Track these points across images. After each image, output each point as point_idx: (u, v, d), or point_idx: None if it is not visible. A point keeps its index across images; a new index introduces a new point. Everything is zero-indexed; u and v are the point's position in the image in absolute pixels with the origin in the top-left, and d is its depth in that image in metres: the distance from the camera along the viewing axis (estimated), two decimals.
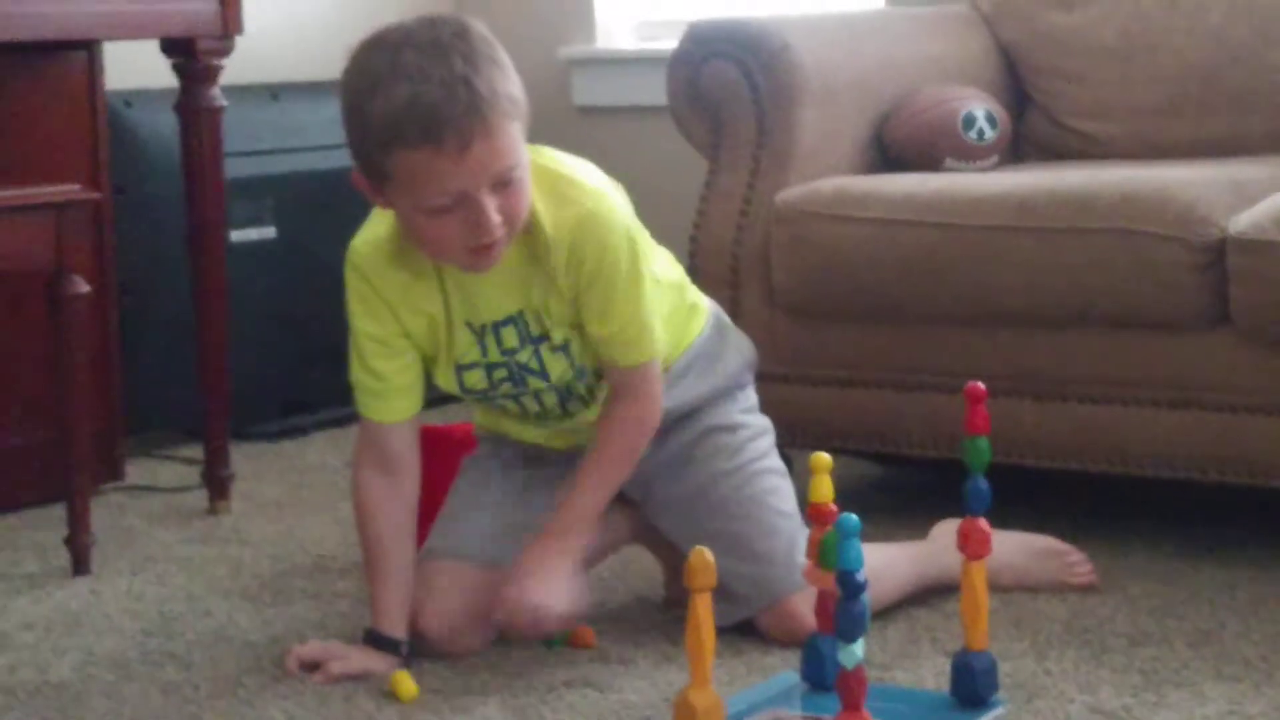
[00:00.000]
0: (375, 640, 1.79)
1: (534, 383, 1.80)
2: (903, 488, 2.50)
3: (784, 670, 1.76)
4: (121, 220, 2.68)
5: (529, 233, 1.72)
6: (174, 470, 2.73)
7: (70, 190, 2.22)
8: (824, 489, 1.65)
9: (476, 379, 1.80)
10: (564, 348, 1.79)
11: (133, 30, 2.43)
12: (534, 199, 1.71)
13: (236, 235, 2.82)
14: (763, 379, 2.32)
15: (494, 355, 1.78)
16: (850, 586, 1.45)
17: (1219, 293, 2.03)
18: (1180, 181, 2.09)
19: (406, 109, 1.59)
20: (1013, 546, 1.97)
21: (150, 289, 2.78)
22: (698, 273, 2.35)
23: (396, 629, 1.79)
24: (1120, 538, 2.19)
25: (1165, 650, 1.79)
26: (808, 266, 2.27)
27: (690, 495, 1.86)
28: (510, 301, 1.76)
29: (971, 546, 1.64)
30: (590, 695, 1.72)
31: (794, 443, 2.33)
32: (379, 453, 1.80)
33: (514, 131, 1.65)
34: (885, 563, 1.88)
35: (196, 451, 2.63)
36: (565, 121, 3.31)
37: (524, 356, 1.78)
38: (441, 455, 1.98)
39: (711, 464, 1.86)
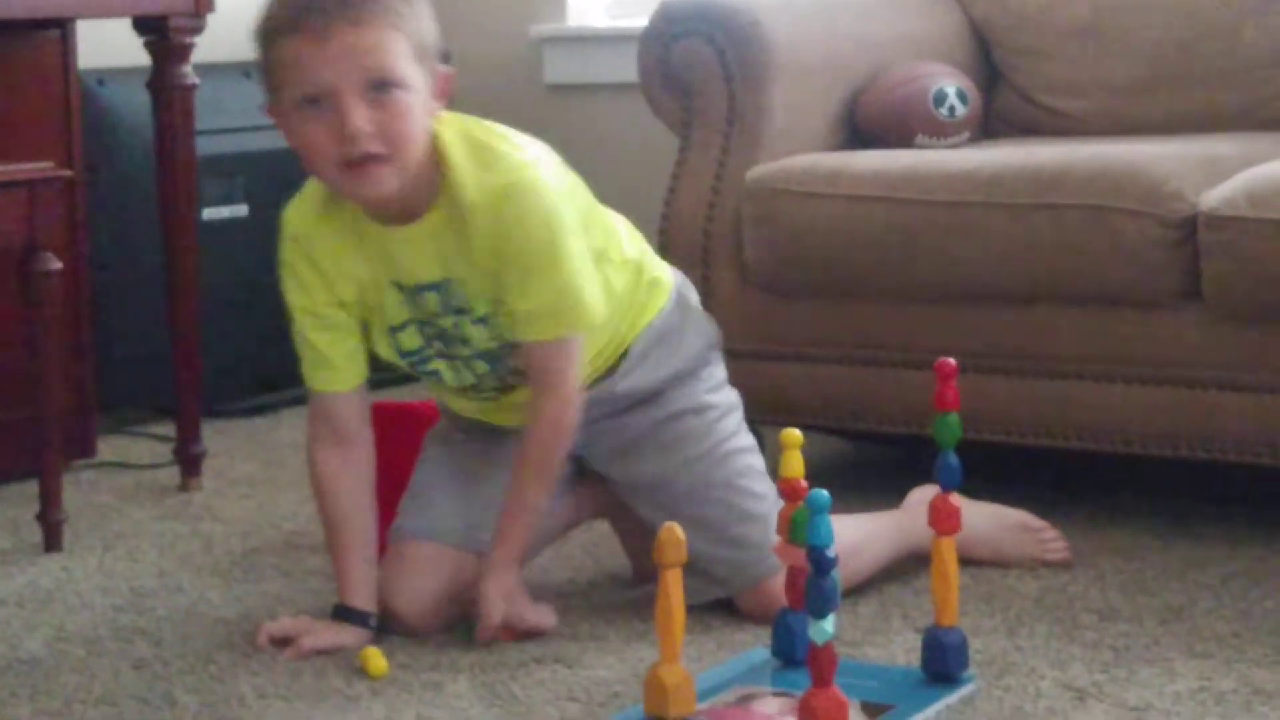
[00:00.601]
0: (344, 614, 1.79)
1: (459, 349, 1.79)
2: (873, 464, 2.51)
3: (754, 646, 1.76)
4: (94, 198, 2.67)
5: (450, 197, 1.71)
6: (146, 447, 2.73)
7: (43, 168, 2.21)
8: (795, 465, 1.65)
9: (410, 337, 1.79)
10: (484, 320, 1.77)
11: (105, 8, 2.43)
12: (459, 165, 1.70)
13: (208, 213, 2.81)
14: (734, 356, 2.32)
15: (423, 314, 1.77)
16: (821, 562, 1.46)
17: (1190, 269, 2.04)
18: (1151, 158, 2.09)
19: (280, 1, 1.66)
20: (987, 520, 1.97)
21: (122, 266, 2.77)
22: (669, 250, 2.35)
23: (365, 602, 1.79)
24: (1091, 514, 2.20)
25: (1136, 627, 1.80)
26: (779, 243, 2.27)
27: (661, 481, 1.85)
28: (432, 268, 1.74)
29: (941, 522, 1.65)
30: (560, 671, 1.73)
31: (765, 419, 2.33)
32: (330, 425, 1.80)
33: (391, 41, 1.65)
34: (864, 536, 1.89)
35: (168, 428, 2.62)
36: (537, 100, 3.30)
37: (446, 323, 1.77)
38: (404, 431, 1.98)
39: (681, 449, 1.84)
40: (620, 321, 1.84)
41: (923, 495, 1.95)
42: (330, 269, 1.76)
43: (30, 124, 2.52)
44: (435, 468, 1.89)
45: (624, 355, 1.85)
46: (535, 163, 1.73)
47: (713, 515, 1.82)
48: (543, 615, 1.80)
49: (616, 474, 1.88)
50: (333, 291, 1.77)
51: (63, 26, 2.55)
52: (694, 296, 1.95)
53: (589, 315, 1.76)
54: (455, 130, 1.74)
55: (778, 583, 1.78)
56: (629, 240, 1.87)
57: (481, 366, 1.81)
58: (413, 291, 1.76)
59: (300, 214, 1.79)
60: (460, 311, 1.76)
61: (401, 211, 1.73)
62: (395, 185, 1.69)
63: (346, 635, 1.78)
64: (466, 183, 1.71)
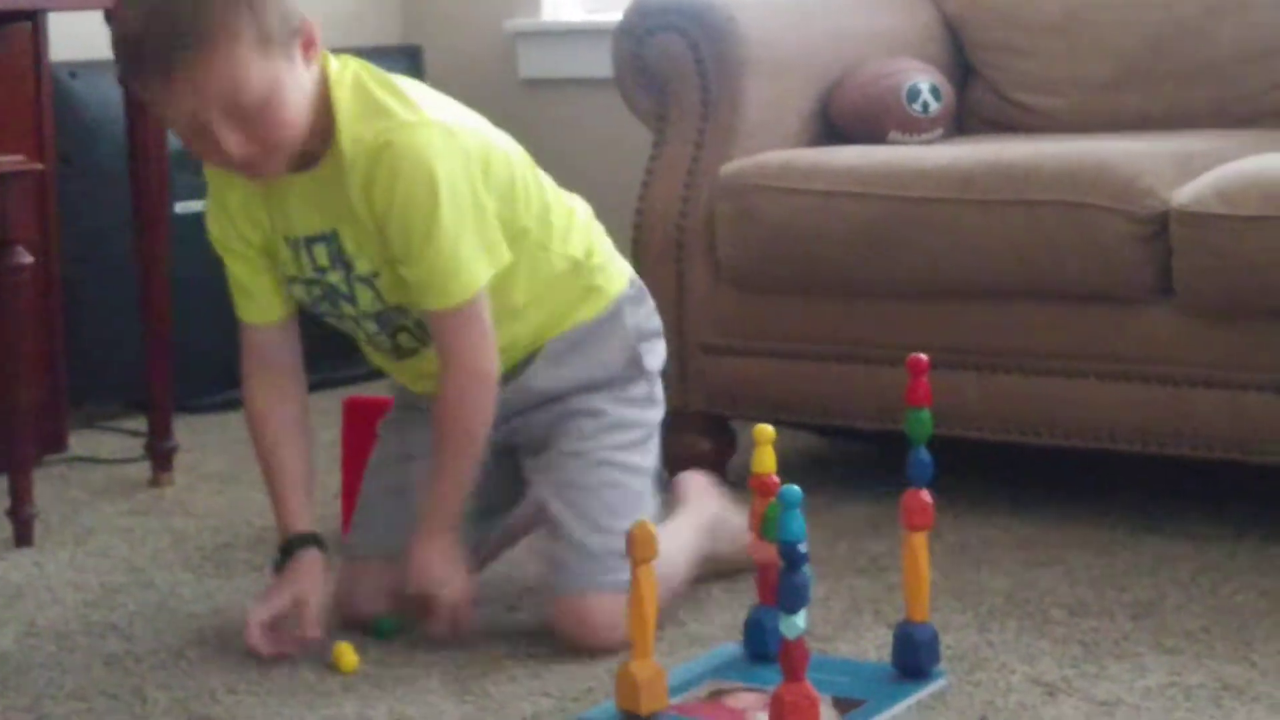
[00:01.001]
0: (295, 545, 1.76)
1: (345, 308, 1.77)
2: (845, 460, 2.51)
3: (726, 642, 1.77)
4: (65, 191, 2.66)
5: (331, 147, 1.69)
6: (117, 442, 2.72)
7: (14, 161, 2.20)
8: (767, 461, 1.65)
9: (300, 293, 1.79)
10: (369, 280, 1.74)
11: (77, 1, 2.41)
12: (343, 117, 1.67)
13: (180, 206, 2.79)
14: (707, 351, 2.33)
15: (308, 271, 1.75)
16: (792, 558, 1.46)
17: (1162, 265, 2.04)
18: (1124, 154, 2.10)
19: (119, 42, 1.63)
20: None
21: (94, 260, 2.76)
22: (642, 245, 2.35)
23: (308, 524, 1.78)
24: (1061, 509, 2.21)
25: (1106, 622, 1.81)
26: (752, 239, 2.27)
27: (541, 470, 1.82)
28: (318, 219, 1.72)
29: (913, 518, 1.65)
30: (532, 667, 1.72)
31: (737, 415, 2.34)
32: (260, 357, 1.79)
33: (232, 58, 1.58)
34: (674, 547, 1.83)
35: (140, 423, 2.61)
36: (511, 94, 3.30)
37: (334, 278, 1.74)
38: (374, 425, 1.97)
39: (561, 443, 1.80)
40: (542, 314, 1.80)
41: (692, 482, 1.94)
42: (237, 212, 1.76)
43: (1, 116, 2.51)
44: (382, 478, 1.87)
45: (538, 351, 1.81)
46: (419, 124, 1.67)
47: (566, 515, 1.77)
48: (463, 573, 1.77)
49: (528, 467, 1.86)
50: (239, 231, 1.77)
51: (34, 19, 2.54)
52: (645, 319, 1.87)
53: (467, 288, 1.69)
54: (350, 77, 1.70)
55: (594, 605, 1.73)
56: (581, 237, 1.83)
57: (370, 326, 1.79)
58: (301, 244, 1.74)
59: (215, 174, 1.78)
60: (347, 267, 1.73)
61: (297, 160, 1.69)
62: (284, 164, 1.68)
63: (302, 578, 1.74)
64: (345, 135, 1.68)
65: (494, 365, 1.74)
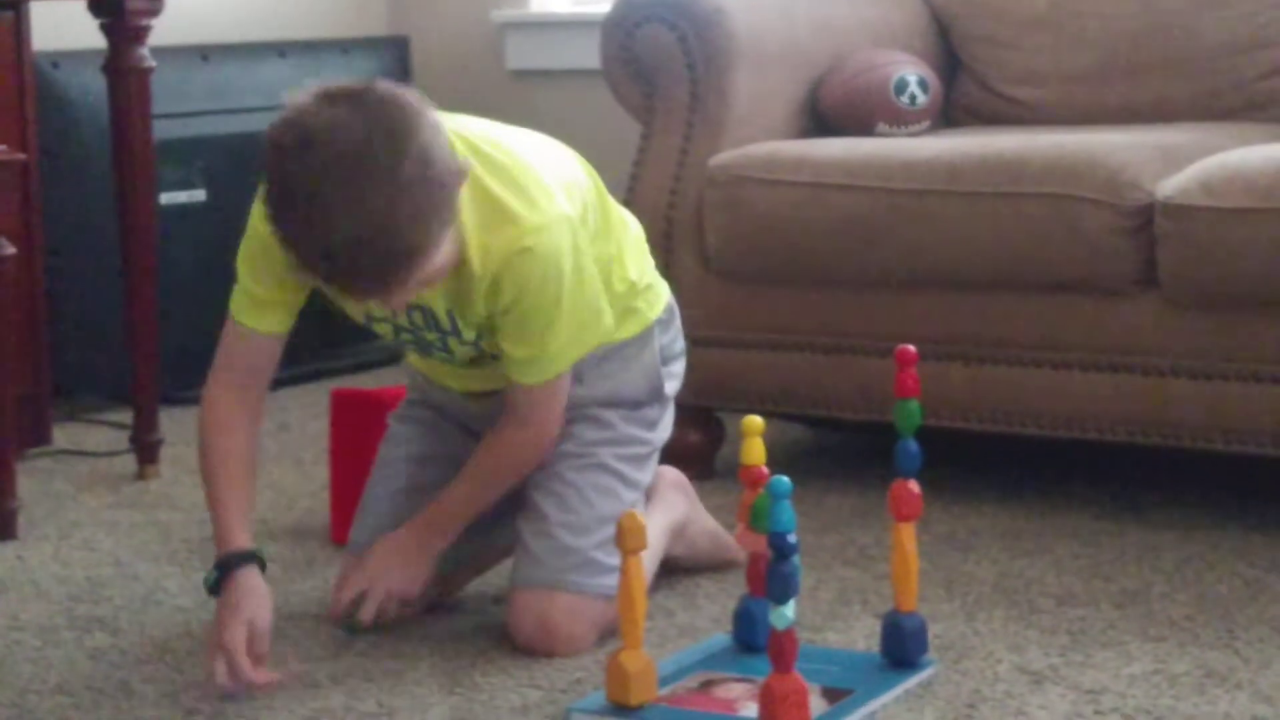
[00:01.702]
0: (230, 563, 1.66)
1: (436, 355, 1.77)
2: (834, 450, 2.52)
3: (715, 633, 1.77)
4: (49, 182, 2.64)
5: (461, 262, 1.64)
6: (102, 435, 2.71)
7: None
8: (756, 452, 1.66)
9: (384, 329, 1.77)
10: (474, 342, 1.73)
11: None
12: (472, 226, 1.62)
13: (166, 198, 2.78)
14: (696, 343, 2.33)
15: (402, 321, 1.73)
16: (782, 548, 1.46)
17: (1147, 256, 2.05)
18: (1109, 147, 2.11)
19: (320, 260, 1.52)
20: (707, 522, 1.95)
21: (78, 252, 2.75)
22: None
23: (248, 540, 1.69)
24: (1048, 499, 2.22)
25: (1092, 611, 1.82)
26: (741, 230, 2.27)
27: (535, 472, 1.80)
28: (433, 300, 1.69)
29: (901, 508, 1.65)
30: (521, 658, 1.72)
31: (726, 406, 2.34)
32: (242, 363, 1.72)
33: (438, 253, 1.56)
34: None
35: (125, 416, 2.60)
36: (498, 86, 3.29)
37: (430, 337, 1.73)
38: (365, 418, 1.97)
39: (562, 444, 1.78)
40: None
41: (666, 478, 1.91)
42: (289, 281, 1.68)
43: None
44: (394, 477, 1.84)
45: None
46: (545, 227, 1.64)
47: (550, 507, 1.75)
48: (410, 584, 1.77)
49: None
50: (282, 290, 1.70)
51: (16, 8, 2.52)
52: (671, 341, 1.86)
53: (564, 368, 1.72)
54: (471, 181, 1.61)
55: (558, 603, 1.71)
56: (636, 259, 1.81)
57: (447, 357, 1.78)
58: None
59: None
60: (448, 333, 1.72)
61: None
62: None
63: (249, 606, 1.63)
64: (473, 248, 1.63)
65: (557, 432, 1.75)
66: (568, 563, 1.73)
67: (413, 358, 1.87)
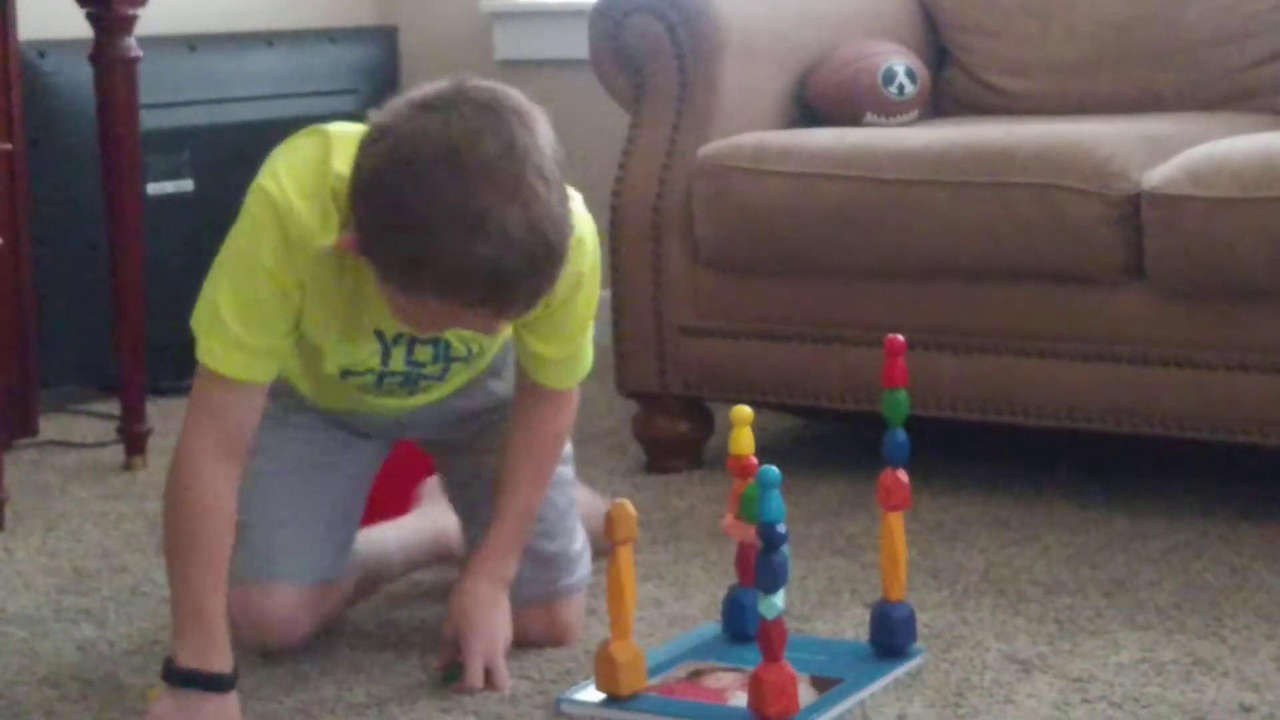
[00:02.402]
0: (209, 684, 1.49)
1: (429, 385, 1.64)
2: (823, 440, 2.52)
3: (705, 622, 1.77)
4: (35, 172, 2.63)
5: None
6: (89, 425, 2.70)
7: None
8: (745, 442, 1.66)
9: (365, 382, 1.61)
10: (465, 358, 1.64)
11: None
12: None
13: (153, 188, 2.78)
14: (684, 333, 2.33)
15: (397, 365, 1.59)
16: (771, 538, 1.46)
17: (1134, 246, 2.06)
18: (1096, 136, 2.11)
19: (484, 273, 1.38)
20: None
21: (65, 242, 2.74)
22: (619, 226, 2.35)
23: (229, 659, 1.51)
24: (1036, 488, 2.23)
25: (1080, 599, 1.82)
26: (729, 220, 2.27)
27: (472, 476, 1.74)
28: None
29: (890, 498, 1.66)
30: (511, 649, 1.72)
31: (715, 396, 2.34)
32: (228, 424, 1.50)
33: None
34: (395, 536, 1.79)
35: (112, 406, 2.60)
36: (487, 76, 3.23)
37: (433, 370, 1.62)
38: None
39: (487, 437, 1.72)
40: None
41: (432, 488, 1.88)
42: (312, 289, 1.51)
43: None
44: (292, 489, 1.66)
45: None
46: (585, 216, 1.57)
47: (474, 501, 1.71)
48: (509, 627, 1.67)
49: (455, 467, 1.76)
50: (281, 335, 1.51)
51: None
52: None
53: (590, 366, 1.68)
54: None
55: (562, 609, 1.71)
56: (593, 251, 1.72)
57: (434, 382, 1.65)
58: (401, 340, 1.57)
59: (313, 220, 1.48)
60: (456, 358, 1.62)
61: None
62: None
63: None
64: None
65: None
66: (555, 570, 1.72)
67: (306, 387, 1.66)
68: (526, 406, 1.67)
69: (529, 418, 1.67)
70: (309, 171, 1.49)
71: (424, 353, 1.60)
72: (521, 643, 1.70)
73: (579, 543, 1.75)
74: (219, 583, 1.49)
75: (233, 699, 1.51)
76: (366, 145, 1.42)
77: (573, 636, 1.73)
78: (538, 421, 1.67)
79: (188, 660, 1.49)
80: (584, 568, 1.75)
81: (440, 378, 1.65)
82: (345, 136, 1.50)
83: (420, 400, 1.69)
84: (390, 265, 1.42)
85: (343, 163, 1.47)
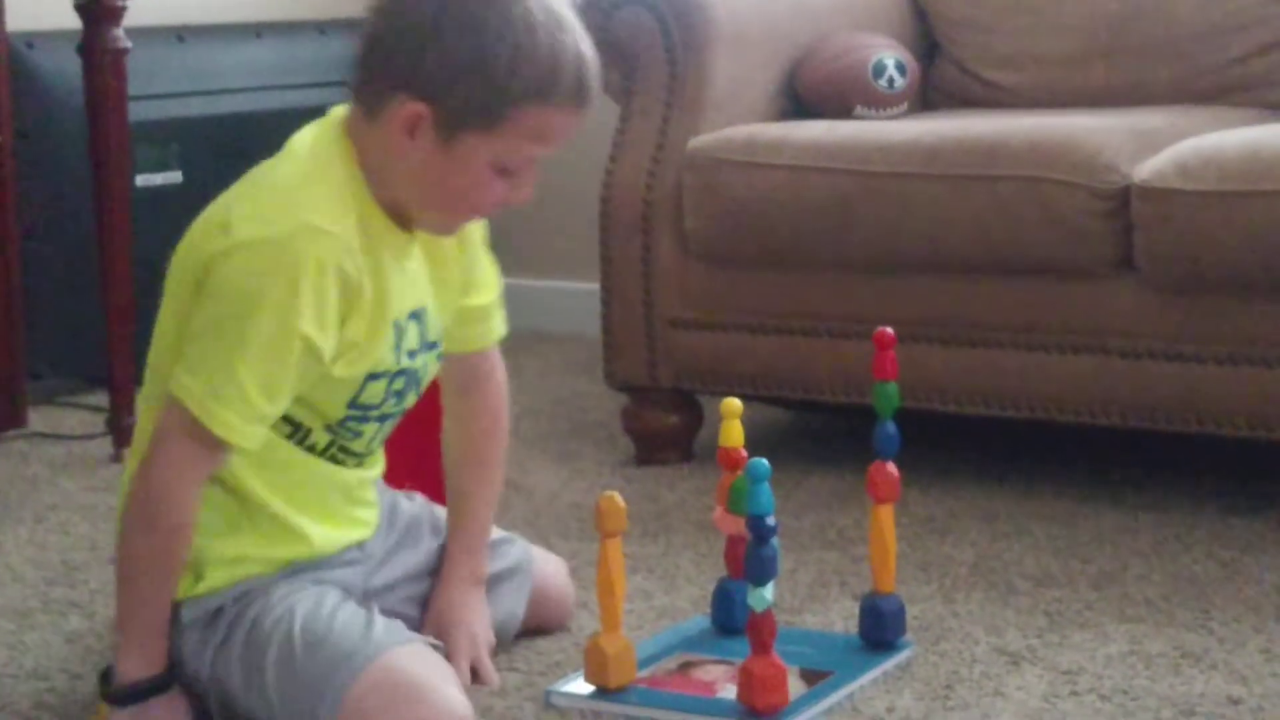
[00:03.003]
0: (148, 689, 1.48)
1: (409, 400, 1.59)
2: (812, 433, 2.53)
3: (694, 615, 1.77)
4: (24, 164, 2.62)
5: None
6: (78, 418, 2.69)
7: None
8: (734, 434, 1.66)
9: (377, 391, 1.54)
10: (436, 345, 1.60)
11: None
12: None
13: (141, 180, 2.77)
14: (674, 325, 2.33)
15: (404, 359, 1.55)
16: (760, 531, 1.46)
17: (1124, 239, 2.06)
18: (1086, 130, 2.11)
19: (568, 66, 1.45)
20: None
21: (53, 234, 2.73)
22: (609, 219, 2.35)
23: (164, 661, 1.50)
24: (1026, 481, 2.23)
25: (1069, 592, 1.83)
26: (719, 213, 2.27)
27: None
28: (415, 292, 1.55)
29: (880, 491, 1.66)
30: (499, 641, 1.72)
31: (705, 389, 2.34)
32: (208, 470, 1.47)
33: None
34: None
35: (101, 399, 2.59)
36: None
37: (419, 362, 1.57)
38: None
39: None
40: None
41: None
42: (372, 296, 1.48)
43: None
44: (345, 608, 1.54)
45: None
46: None
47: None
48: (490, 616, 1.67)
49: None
50: (287, 399, 1.46)
51: None
52: None
53: None
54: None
55: (554, 580, 1.73)
56: None
57: (397, 404, 1.58)
58: (405, 324, 1.54)
59: (345, 230, 1.45)
60: (433, 345, 1.59)
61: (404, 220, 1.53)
62: None
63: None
64: None
65: None
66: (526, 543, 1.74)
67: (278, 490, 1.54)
68: (470, 394, 1.68)
69: (475, 406, 1.68)
70: (300, 192, 1.47)
71: (413, 335, 1.54)
72: (540, 628, 1.71)
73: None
74: (173, 593, 1.49)
75: (176, 691, 1.49)
76: (390, 8, 1.46)
77: (570, 603, 1.72)
78: (485, 405, 1.68)
79: (136, 671, 1.47)
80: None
81: (419, 382, 1.60)
82: (298, 142, 1.51)
83: (378, 461, 1.62)
84: (477, 95, 1.43)
85: (322, 143, 1.49)
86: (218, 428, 1.43)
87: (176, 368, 1.46)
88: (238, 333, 1.42)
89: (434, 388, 1.66)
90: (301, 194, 1.46)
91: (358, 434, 1.55)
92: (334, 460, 1.55)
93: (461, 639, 1.63)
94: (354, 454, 1.57)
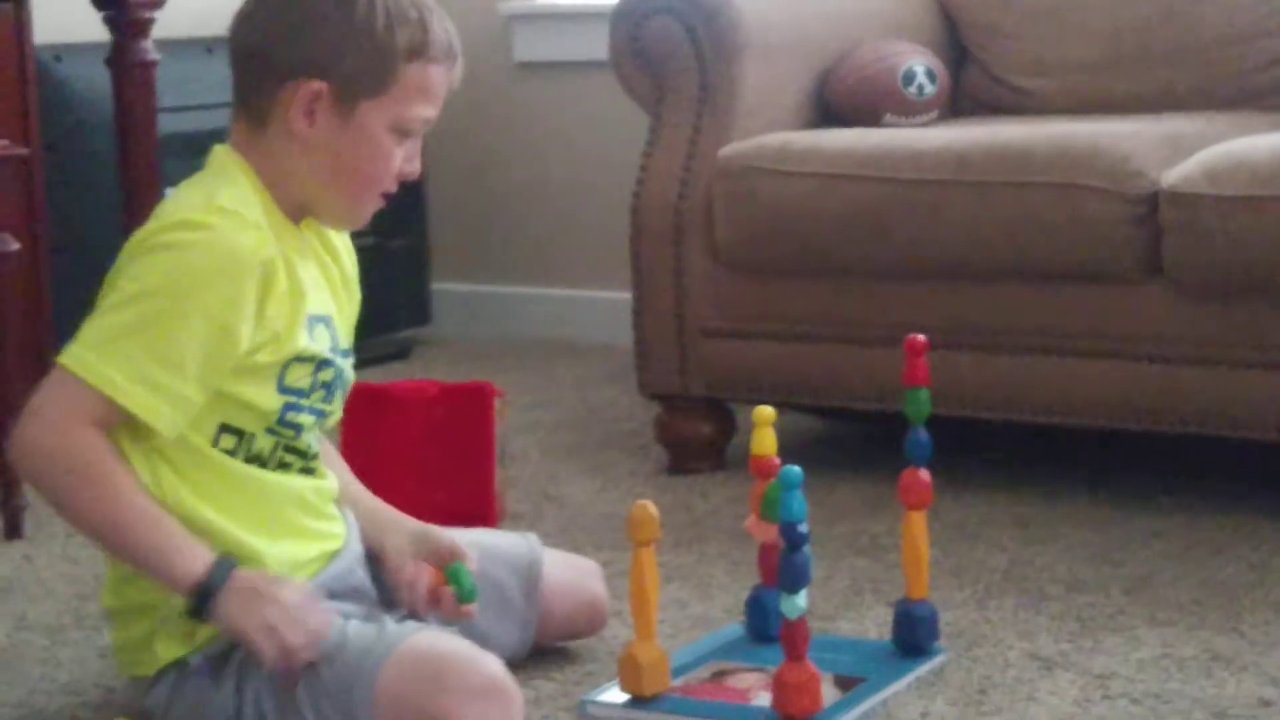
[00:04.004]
0: (219, 578, 1.42)
1: (338, 400, 1.58)
2: (845, 440, 2.52)
3: (728, 623, 1.77)
4: (52, 177, 2.63)
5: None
6: None
7: None
8: (767, 442, 1.66)
9: (303, 375, 1.52)
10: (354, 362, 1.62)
11: None
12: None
13: (170, 192, 2.77)
14: (706, 334, 2.33)
15: (325, 350, 1.54)
16: (793, 538, 1.47)
17: (1152, 245, 2.06)
18: (1114, 136, 2.11)
19: (436, 22, 1.55)
20: None
21: (82, 247, 2.74)
22: (640, 228, 2.35)
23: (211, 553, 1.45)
24: (1057, 487, 2.23)
25: (1101, 597, 1.82)
26: (750, 222, 2.27)
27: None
28: (320, 296, 1.56)
29: (912, 497, 1.66)
30: (535, 650, 1.72)
31: (737, 397, 2.35)
32: (97, 423, 1.43)
33: None
34: None
35: None
36: (506, 78, 3.29)
37: (339, 363, 1.56)
38: (381, 414, 1.95)
39: None
40: None
41: None
42: (290, 303, 1.49)
43: None
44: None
45: None
46: None
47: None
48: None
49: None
50: (206, 387, 1.45)
51: (17, 1, 2.51)
52: None
53: None
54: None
55: (596, 581, 1.73)
56: None
57: (329, 405, 1.57)
58: (314, 323, 1.54)
59: (265, 233, 1.49)
60: (345, 354, 1.58)
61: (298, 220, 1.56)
62: None
63: (279, 584, 1.45)
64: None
65: None
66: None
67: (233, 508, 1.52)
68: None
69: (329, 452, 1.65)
70: (215, 198, 1.50)
71: (324, 336, 1.54)
72: (564, 630, 1.70)
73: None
74: (145, 489, 1.43)
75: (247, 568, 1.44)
76: (251, 17, 1.55)
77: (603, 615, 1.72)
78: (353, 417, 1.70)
79: (195, 568, 1.41)
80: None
81: (344, 385, 1.58)
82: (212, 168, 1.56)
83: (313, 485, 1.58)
84: (366, 60, 1.50)
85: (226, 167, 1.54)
86: (99, 382, 1.41)
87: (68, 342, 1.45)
88: (136, 307, 1.44)
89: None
90: (216, 192, 1.50)
91: (298, 427, 1.53)
92: (282, 466, 1.53)
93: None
94: (300, 453, 1.54)
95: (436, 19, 1.56)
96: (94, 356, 1.44)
